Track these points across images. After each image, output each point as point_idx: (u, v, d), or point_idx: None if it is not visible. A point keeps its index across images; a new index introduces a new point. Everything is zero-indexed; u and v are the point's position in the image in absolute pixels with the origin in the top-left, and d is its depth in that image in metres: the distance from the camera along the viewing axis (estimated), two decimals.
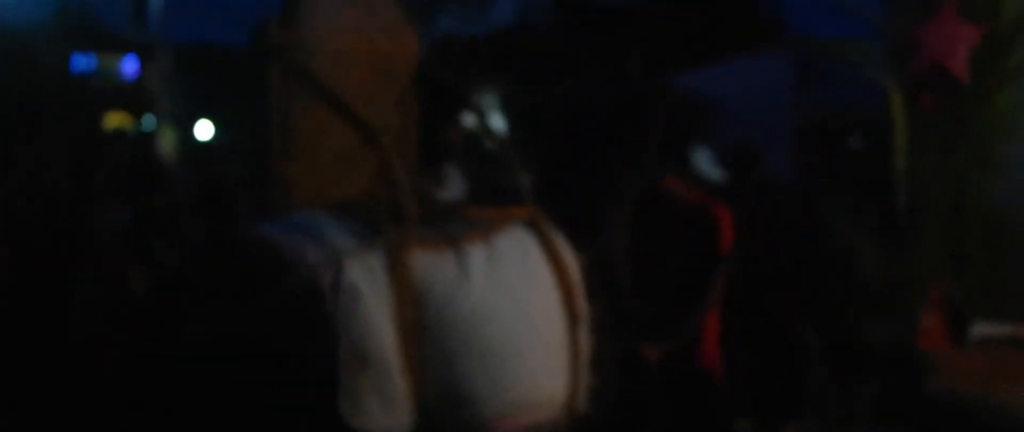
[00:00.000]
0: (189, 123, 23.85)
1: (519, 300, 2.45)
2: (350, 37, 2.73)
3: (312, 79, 2.62)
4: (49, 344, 3.60)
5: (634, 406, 3.45)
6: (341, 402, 2.23)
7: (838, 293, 3.94)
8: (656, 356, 3.85)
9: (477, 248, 2.46)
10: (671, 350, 3.93)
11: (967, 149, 3.87)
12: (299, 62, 2.63)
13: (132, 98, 16.18)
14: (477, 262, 2.45)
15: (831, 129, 13.77)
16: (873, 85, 4.01)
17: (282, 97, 2.64)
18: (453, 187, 3.42)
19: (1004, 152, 3.90)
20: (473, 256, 2.45)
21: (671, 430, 3.75)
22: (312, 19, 2.67)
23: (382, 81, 2.79)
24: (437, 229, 2.46)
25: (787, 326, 4.75)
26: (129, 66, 16.73)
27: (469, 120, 3.47)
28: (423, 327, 2.34)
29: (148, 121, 13.98)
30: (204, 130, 25.01)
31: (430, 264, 2.40)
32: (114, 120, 16.91)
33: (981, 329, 3.95)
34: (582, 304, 2.57)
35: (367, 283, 2.30)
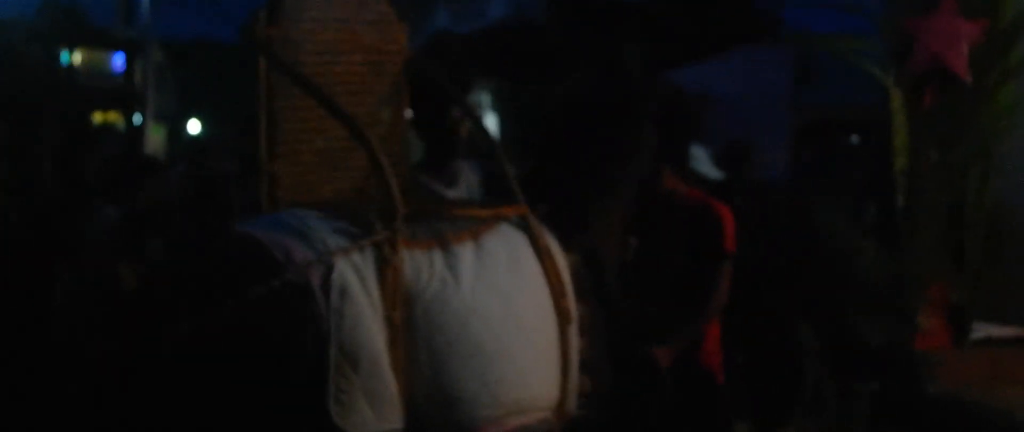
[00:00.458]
0: (178, 120, 23.80)
1: (509, 300, 2.42)
2: (338, 32, 2.70)
3: (299, 74, 2.59)
4: (34, 343, 3.56)
5: (645, 410, 3.43)
6: (330, 403, 2.20)
7: (836, 293, 3.91)
8: (668, 361, 3.83)
9: (466, 247, 2.45)
10: (681, 353, 3.90)
11: (968, 147, 3.84)
12: (286, 57, 2.60)
13: (121, 94, 16.13)
14: (466, 261, 2.42)
15: (830, 126, 13.82)
16: (872, 82, 3.98)
17: (269, 93, 2.61)
18: (463, 184, 3.38)
19: (1006, 150, 3.86)
20: (462, 255, 2.43)
21: (672, 431, 3.73)
22: (300, 14, 2.64)
23: (371, 76, 2.77)
24: (426, 227, 2.44)
25: (785, 326, 4.72)
26: (117, 62, 16.67)
27: (460, 115, 3.43)
28: (412, 327, 2.32)
29: (137, 118, 13.91)
30: (193, 127, 24.95)
31: (419, 263, 2.38)
32: (102, 116, 16.84)
33: (982, 330, 3.93)
34: (572, 304, 2.54)
35: (357, 282, 2.28)
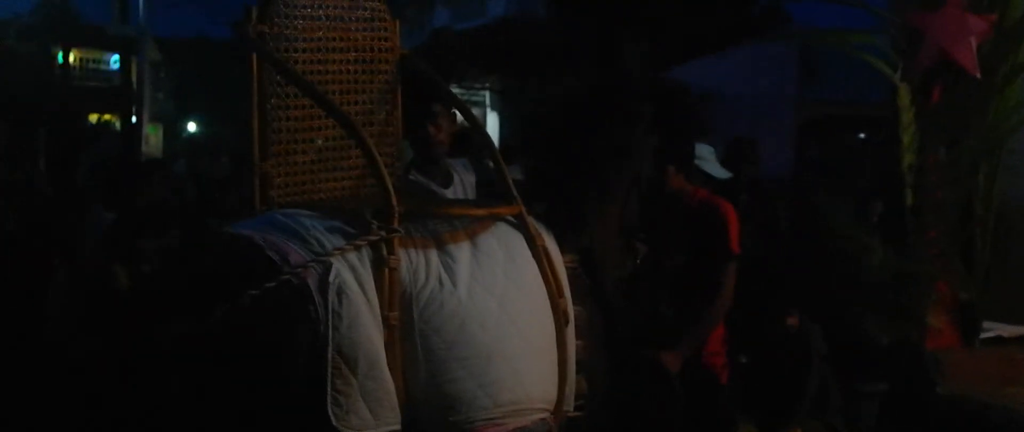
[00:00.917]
0: (174, 119, 23.78)
1: (505, 301, 2.40)
2: (331, 29, 2.68)
3: (292, 72, 2.56)
4: (29, 342, 3.54)
5: (655, 414, 3.41)
6: (328, 405, 2.19)
7: (843, 292, 3.87)
8: (677, 366, 3.80)
9: (463, 247, 2.43)
10: (690, 355, 3.87)
11: (976, 144, 3.78)
12: (279, 54, 2.57)
13: (116, 94, 16.11)
14: (463, 262, 2.40)
15: (835, 123, 13.80)
16: (878, 78, 3.93)
17: (262, 91, 2.58)
18: (458, 183, 3.37)
19: (1015, 147, 3.81)
20: (459, 255, 2.41)
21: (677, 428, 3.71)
22: (292, 11, 2.61)
23: (364, 74, 2.75)
24: (422, 227, 2.42)
25: (791, 325, 4.69)
26: (113, 61, 16.65)
27: (448, 115, 3.41)
28: (409, 328, 2.30)
29: (133, 117, 13.89)
30: (190, 126, 24.91)
31: (416, 263, 2.36)
32: (98, 116, 16.81)
33: (991, 329, 3.90)
34: (569, 305, 2.53)
35: (354, 283, 2.26)
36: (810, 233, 4.21)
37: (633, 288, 3.55)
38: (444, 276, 2.37)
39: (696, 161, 4.79)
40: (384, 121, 2.84)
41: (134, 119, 13.59)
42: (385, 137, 2.84)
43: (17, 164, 6.19)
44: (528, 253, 2.52)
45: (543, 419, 2.47)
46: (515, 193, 2.59)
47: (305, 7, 2.65)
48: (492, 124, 16.73)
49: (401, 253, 2.34)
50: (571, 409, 2.55)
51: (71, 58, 15.43)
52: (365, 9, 2.78)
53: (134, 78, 14.49)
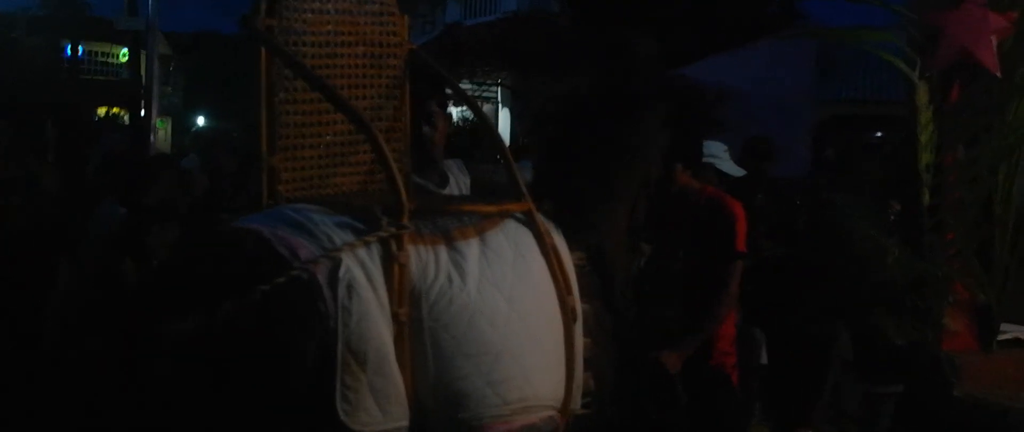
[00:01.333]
0: (184, 113, 23.83)
1: (514, 298, 2.39)
2: (339, 23, 2.66)
3: (301, 66, 2.54)
4: (34, 338, 3.52)
5: (655, 414, 3.39)
6: (338, 401, 2.18)
7: (859, 293, 3.83)
8: (677, 365, 3.77)
9: (472, 244, 2.41)
10: (694, 355, 3.84)
11: (996, 143, 3.73)
12: (287, 49, 2.55)
13: (125, 88, 16.14)
14: (472, 258, 2.39)
15: (852, 122, 13.77)
16: (895, 76, 3.88)
17: (270, 86, 2.56)
18: (453, 183, 3.36)
19: None
20: (468, 252, 2.39)
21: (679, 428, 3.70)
22: (301, 4, 2.59)
23: (372, 69, 2.73)
24: (431, 224, 2.40)
25: (808, 326, 4.67)
26: (122, 55, 16.67)
27: (462, 111, 3.38)
28: (418, 325, 2.29)
29: (141, 110, 13.90)
30: (199, 120, 24.97)
31: (425, 260, 2.34)
32: (106, 109, 16.83)
33: (1009, 331, 3.86)
34: (578, 303, 2.51)
35: (363, 278, 2.24)
36: (826, 233, 4.18)
37: (638, 288, 3.53)
38: (453, 273, 2.36)
39: (709, 159, 4.77)
40: (392, 116, 2.82)
41: (143, 113, 13.58)
42: (394, 132, 2.82)
43: (24, 159, 6.16)
44: (537, 250, 2.50)
45: (551, 417, 2.46)
46: (524, 190, 2.57)
47: (314, 1, 2.63)
48: (504, 121, 16.70)
49: (411, 249, 2.32)
50: (578, 407, 2.54)
51: (79, 52, 15.45)
52: (374, 3, 2.75)
53: (143, 72, 14.48)
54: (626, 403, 2.87)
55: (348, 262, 2.24)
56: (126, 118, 16.14)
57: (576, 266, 2.59)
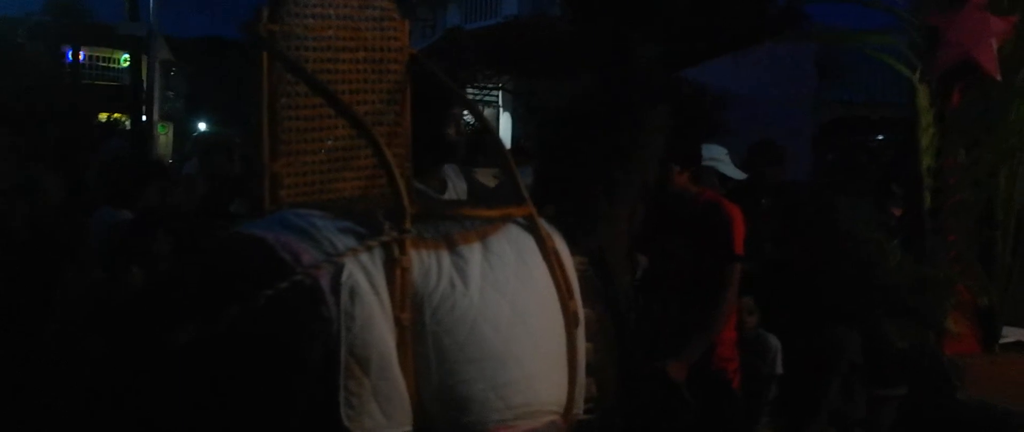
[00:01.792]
0: (185, 118, 23.83)
1: (517, 302, 2.38)
2: (341, 28, 2.65)
3: (303, 70, 2.53)
4: (35, 344, 3.52)
5: (666, 424, 3.39)
6: (341, 406, 2.17)
7: (862, 296, 3.83)
8: (683, 374, 3.76)
9: (474, 248, 2.41)
10: (701, 361, 3.83)
11: (997, 145, 3.74)
12: (289, 53, 2.54)
13: (126, 92, 16.14)
14: (474, 263, 2.38)
15: (853, 125, 13.77)
16: (896, 79, 3.88)
17: (272, 91, 2.55)
18: (451, 189, 3.36)
19: None
20: (470, 257, 2.39)
21: None
22: (302, 10, 2.58)
23: (374, 74, 2.73)
24: (433, 228, 2.40)
25: (812, 329, 4.67)
26: (123, 60, 16.69)
27: (464, 116, 3.39)
28: (421, 329, 2.28)
29: (143, 116, 13.91)
30: (200, 125, 24.96)
31: (427, 265, 2.34)
32: (108, 115, 16.83)
33: (1011, 334, 3.87)
34: (580, 307, 2.51)
35: (366, 283, 2.24)
36: (828, 236, 4.18)
37: (636, 297, 3.52)
38: (455, 277, 2.35)
39: (711, 162, 4.76)
40: (394, 121, 2.82)
41: (144, 118, 13.58)
42: (395, 137, 2.81)
43: (24, 164, 6.16)
44: (539, 255, 2.50)
45: (553, 421, 2.45)
46: (525, 194, 2.57)
47: (315, 6, 2.62)
48: (504, 125, 16.69)
49: (413, 254, 2.32)
50: (581, 411, 2.53)
51: (81, 57, 15.46)
52: (375, 8, 2.74)
53: (144, 77, 14.49)
54: (632, 410, 2.87)
55: (351, 267, 2.23)
56: (127, 123, 16.16)
57: (578, 271, 2.58)
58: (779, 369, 5.03)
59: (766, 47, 7.79)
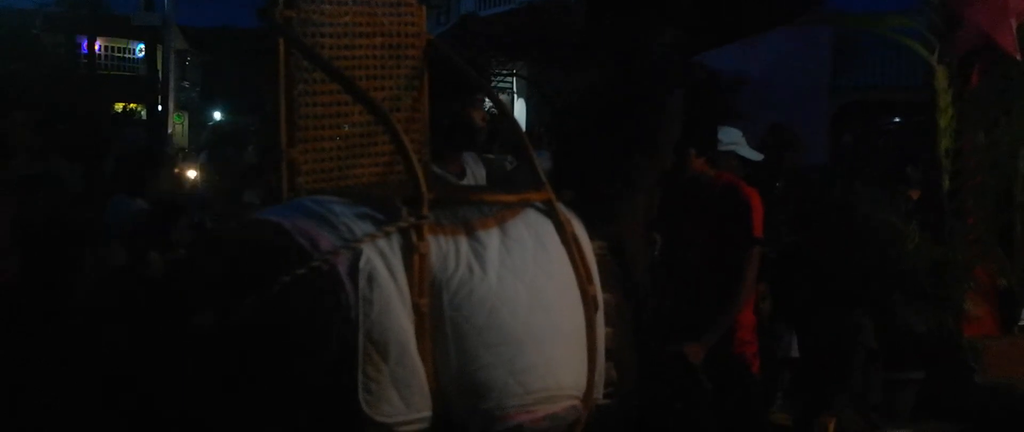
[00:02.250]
0: (200, 107, 23.89)
1: (535, 287, 2.38)
2: (357, 14, 2.65)
3: (320, 58, 2.53)
4: (54, 334, 3.54)
5: (680, 406, 3.38)
6: (359, 392, 2.18)
7: (880, 280, 3.82)
8: (699, 357, 3.75)
9: (492, 233, 2.40)
10: (712, 345, 3.82)
11: (1016, 127, 3.72)
12: (306, 40, 2.54)
13: (142, 82, 16.21)
14: (492, 248, 2.38)
15: (870, 107, 13.68)
16: (913, 61, 3.86)
17: (288, 78, 2.55)
18: (470, 175, 3.35)
19: None
20: (488, 242, 2.38)
21: (707, 421, 3.68)
22: None
23: (391, 60, 2.72)
24: (451, 213, 2.40)
25: (830, 314, 4.65)
26: (138, 50, 16.75)
27: (483, 102, 3.38)
28: (439, 315, 2.28)
29: (159, 105, 13.97)
30: (216, 114, 25.03)
31: (445, 250, 2.34)
32: (123, 105, 16.91)
33: None
34: (599, 292, 2.50)
35: (384, 269, 2.24)
36: (847, 220, 4.15)
37: (652, 278, 3.51)
38: (474, 262, 2.35)
39: (730, 146, 4.74)
40: (411, 107, 2.82)
41: (160, 108, 13.64)
42: (412, 123, 2.82)
43: (43, 154, 6.19)
44: (557, 239, 2.49)
45: (573, 406, 2.45)
46: (543, 179, 2.56)
47: None
48: (519, 111, 16.68)
49: (431, 240, 2.32)
50: (600, 396, 2.53)
51: (97, 47, 15.53)
52: None
53: (160, 67, 14.55)
54: (649, 394, 2.86)
55: (368, 253, 2.24)
56: (143, 113, 16.22)
57: (596, 255, 2.58)
58: (794, 353, 5.00)
59: (783, 31, 7.76)
